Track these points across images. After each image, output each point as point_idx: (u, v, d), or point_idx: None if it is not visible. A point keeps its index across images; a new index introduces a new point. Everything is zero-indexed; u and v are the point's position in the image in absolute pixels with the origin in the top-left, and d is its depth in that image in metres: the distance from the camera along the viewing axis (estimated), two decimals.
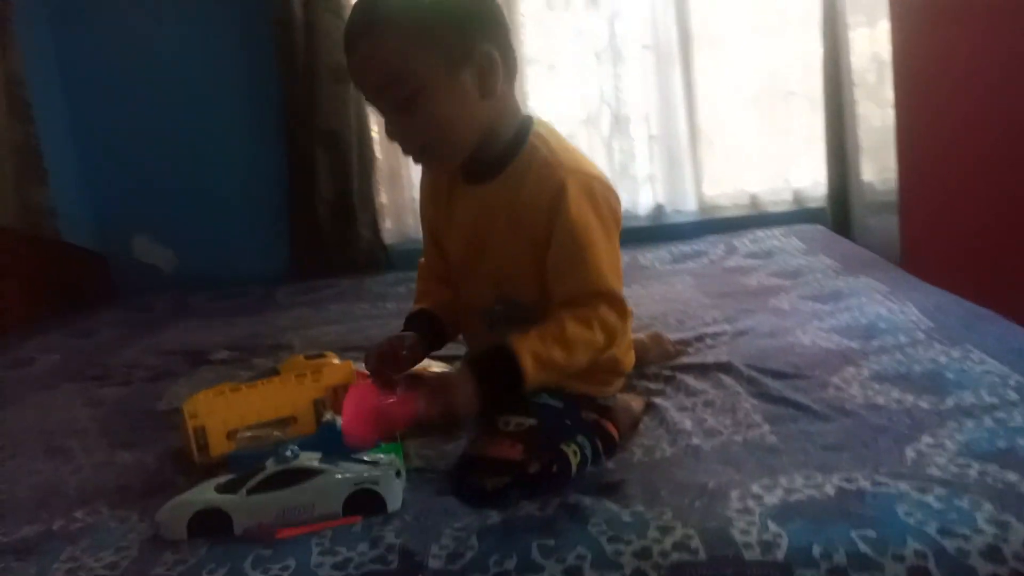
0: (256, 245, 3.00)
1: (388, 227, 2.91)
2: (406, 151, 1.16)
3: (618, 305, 1.15)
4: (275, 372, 1.47)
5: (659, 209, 2.86)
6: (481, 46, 1.11)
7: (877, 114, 2.44)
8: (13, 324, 2.43)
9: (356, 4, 1.14)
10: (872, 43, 2.41)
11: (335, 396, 1.29)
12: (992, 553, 0.84)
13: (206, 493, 1.06)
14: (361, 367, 1.41)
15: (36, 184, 2.69)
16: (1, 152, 2.59)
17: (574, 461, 1.13)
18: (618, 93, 2.80)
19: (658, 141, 2.83)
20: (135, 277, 3.01)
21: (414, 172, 2.64)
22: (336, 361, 1.43)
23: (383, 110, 1.14)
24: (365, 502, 1.05)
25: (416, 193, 2.10)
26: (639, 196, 2.85)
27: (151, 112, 2.93)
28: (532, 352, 1.10)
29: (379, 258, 2.87)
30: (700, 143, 2.83)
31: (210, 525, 1.03)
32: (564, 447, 1.13)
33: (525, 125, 1.21)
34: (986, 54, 1.92)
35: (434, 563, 0.93)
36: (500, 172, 1.19)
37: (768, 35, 2.78)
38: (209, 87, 2.91)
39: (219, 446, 1.26)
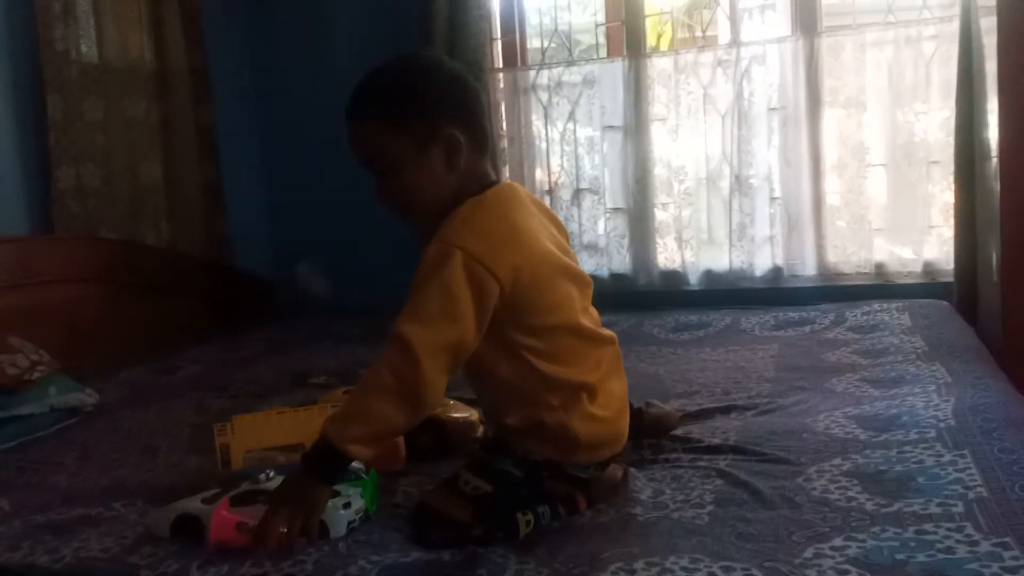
0: (403, 278, 3.27)
1: None
2: (390, 211, 1.33)
3: (407, 351, 1.16)
4: (314, 403, 1.69)
5: (776, 272, 2.82)
6: (447, 128, 1.27)
7: None
8: (183, 338, 2.85)
9: (356, 88, 1.33)
10: None
11: None
12: None
13: (191, 502, 1.27)
14: None
15: (217, 216, 3.14)
16: (191, 189, 3.06)
17: (524, 530, 1.23)
18: (741, 154, 2.81)
19: (780, 203, 2.80)
20: (296, 301, 3.39)
21: None
22: None
23: (369, 171, 1.32)
24: None
25: None
26: (756, 258, 2.83)
27: (324, 155, 3.29)
28: (330, 418, 1.19)
29: None
30: (824, 207, 2.77)
31: (188, 529, 1.24)
32: (519, 515, 1.24)
33: (475, 194, 1.30)
34: None
35: None
36: None
37: (907, 100, 2.68)
38: None
39: (239, 462, 1.49)
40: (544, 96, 3.01)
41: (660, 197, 2.93)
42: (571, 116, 2.99)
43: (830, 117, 2.75)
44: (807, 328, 2.46)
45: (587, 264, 2.96)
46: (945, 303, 2.51)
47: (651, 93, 2.89)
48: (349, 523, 1.23)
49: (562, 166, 3.04)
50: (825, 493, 1.27)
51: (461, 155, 1.28)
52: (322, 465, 1.16)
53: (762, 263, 2.84)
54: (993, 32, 2.25)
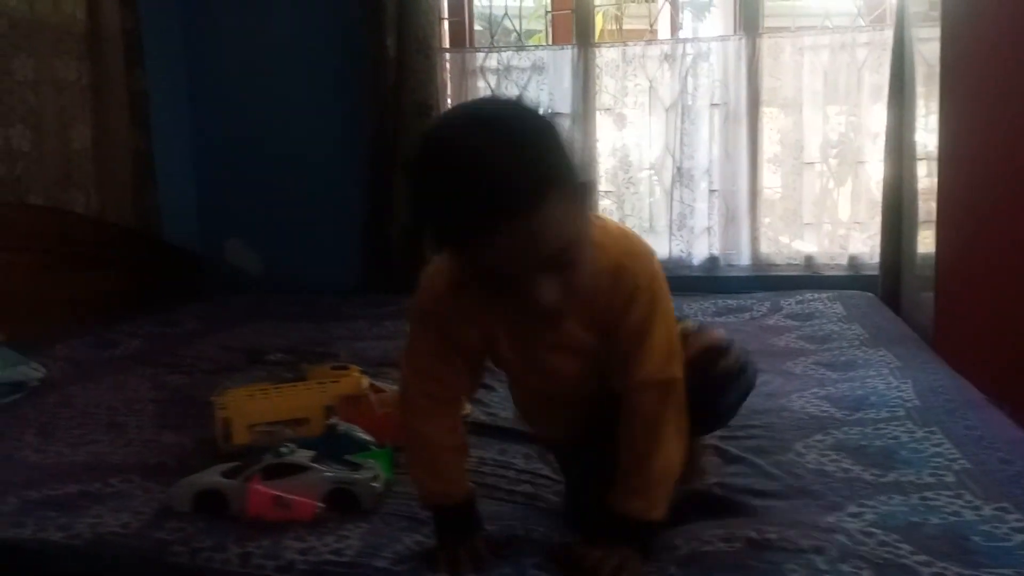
0: (337, 258, 3.23)
1: None
2: (547, 306, 0.96)
3: (673, 387, 1.09)
4: (303, 378, 1.67)
5: (713, 261, 2.95)
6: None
7: None
8: (110, 311, 2.72)
9: (482, 169, 0.88)
10: None
11: (343, 404, 1.48)
12: None
13: (212, 476, 1.25)
14: (374, 382, 1.60)
15: (146, 186, 3.01)
16: (121, 157, 2.92)
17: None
18: (683, 147, 2.91)
19: (718, 195, 2.93)
20: (225, 277, 3.29)
21: None
22: (356, 375, 1.61)
23: (530, 274, 0.93)
24: (343, 500, 1.22)
25: None
26: (694, 247, 2.95)
27: (259, 129, 3.23)
28: (625, 499, 1.08)
29: None
30: (760, 201, 2.92)
31: (211, 503, 1.22)
32: None
33: None
34: None
35: (381, 563, 1.08)
36: None
37: (840, 102, 2.85)
38: (310, 113, 3.19)
39: (241, 437, 1.46)
40: (492, 80, 3.03)
41: (604, 185, 3.01)
42: None
43: (768, 115, 2.89)
44: (746, 315, 2.59)
45: None
46: (871, 294, 2.70)
47: (599, 82, 2.96)
48: (380, 496, 1.24)
49: None
50: (820, 466, 1.36)
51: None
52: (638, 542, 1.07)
53: (700, 252, 2.96)
54: (924, 41, 2.44)
